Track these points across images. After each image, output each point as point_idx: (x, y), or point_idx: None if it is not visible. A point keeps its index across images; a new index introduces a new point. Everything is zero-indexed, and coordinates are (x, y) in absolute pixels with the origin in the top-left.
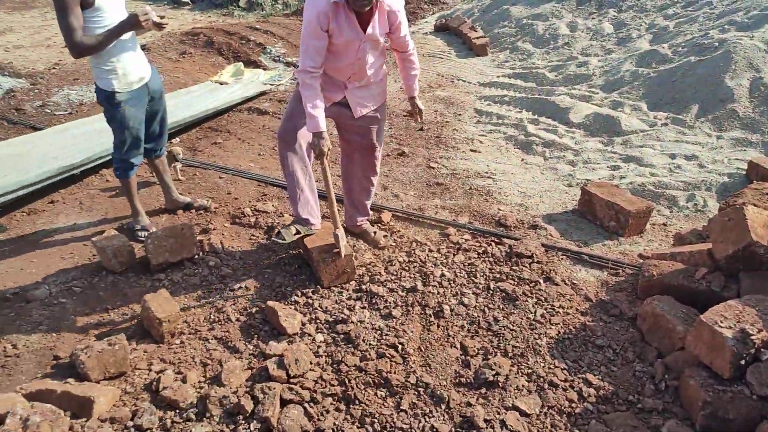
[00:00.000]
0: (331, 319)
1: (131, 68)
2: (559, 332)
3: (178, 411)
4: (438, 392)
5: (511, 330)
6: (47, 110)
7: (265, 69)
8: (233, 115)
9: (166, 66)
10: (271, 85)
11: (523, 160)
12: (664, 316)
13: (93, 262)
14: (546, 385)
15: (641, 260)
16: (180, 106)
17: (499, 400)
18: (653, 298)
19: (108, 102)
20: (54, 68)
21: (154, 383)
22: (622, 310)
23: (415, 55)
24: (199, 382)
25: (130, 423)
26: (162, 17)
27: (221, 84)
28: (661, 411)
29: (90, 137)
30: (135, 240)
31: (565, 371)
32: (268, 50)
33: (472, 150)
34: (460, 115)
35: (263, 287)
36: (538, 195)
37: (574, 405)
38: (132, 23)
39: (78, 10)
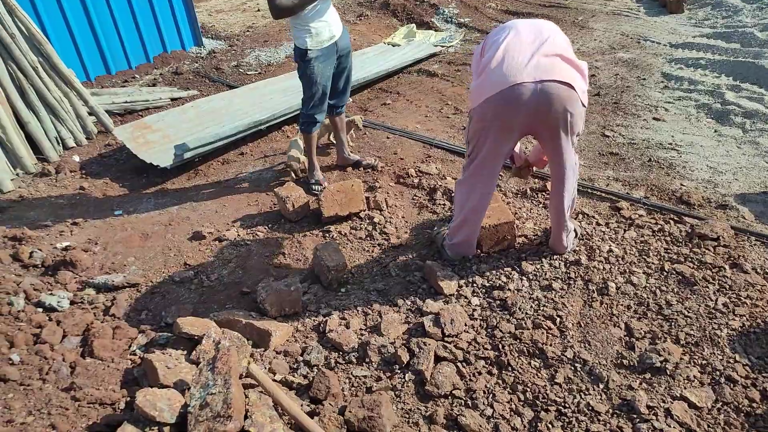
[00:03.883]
0: (487, 284)
1: (323, 28)
2: (743, 325)
3: (341, 353)
4: (597, 371)
5: (686, 316)
6: (240, 70)
7: (437, 30)
8: (403, 76)
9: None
10: (442, 46)
11: (716, 131)
12: None
13: (273, 210)
14: (722, 380)
15: None
16: (354, 68)
17: (666, 388)
18: None
19: (301, 58)
20: (248, 31)
21: (322, 325)
22: None
23: None
24: (360, 329)
25: (300, 358)
26: None
27: (394, 46)
28: None
29: (274, 96)
30: (309, 192)
31: (747, 367)
32: (442, 11)
33: (655, 118)
34: (644, 79)
35: (422, 246)
36: (732, 172)
37: (755, 405)
38: None
39: None
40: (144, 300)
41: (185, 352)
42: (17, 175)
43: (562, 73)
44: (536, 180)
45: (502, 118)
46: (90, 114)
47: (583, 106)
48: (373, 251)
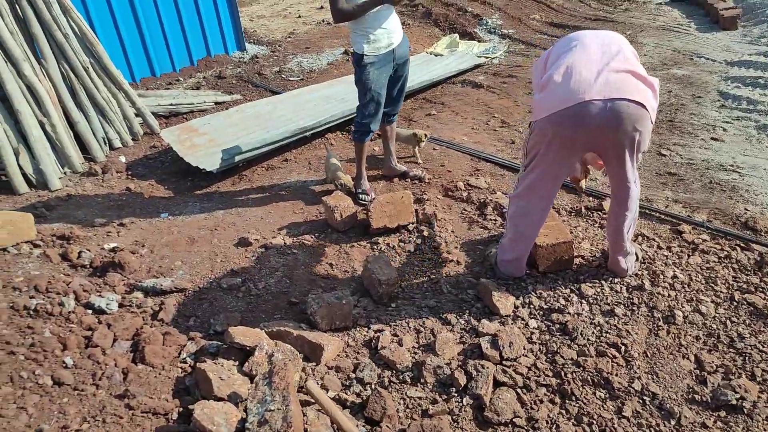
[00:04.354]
0: (545, 306)
1: (381, 35)
2: None
3: (394, 371)
4: (667, 405)
5: (761, 351)
6: (283, 75)
7: (480, 41)
8: (447, 87)
9: None
10: (486, 57)
11: None
12: None
13: (319, 219)
14: None
15: None
16: None
17: (744, 428)
18: None
19: (357, 63)
20: (289, 37)
21: (374, 341)
22: None
23: None
24: (413, 347)
25: (353, 374)
26: None
27: (436, 56)
28: None
29: (317, 103)
30: (356, 202)
31: None
32: (485, 21)
33: (713, 138)
34: (699, 97)
35: (474, 263)
36: None
37: None
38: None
39: None
40: (192, 306)
41: (237, 363)
42: (65, 173)
43: (634, 91)
44: (591, 198)
45: (565, 135)
46: (136, 115)
47: (651, 123)
48: (423, 266)
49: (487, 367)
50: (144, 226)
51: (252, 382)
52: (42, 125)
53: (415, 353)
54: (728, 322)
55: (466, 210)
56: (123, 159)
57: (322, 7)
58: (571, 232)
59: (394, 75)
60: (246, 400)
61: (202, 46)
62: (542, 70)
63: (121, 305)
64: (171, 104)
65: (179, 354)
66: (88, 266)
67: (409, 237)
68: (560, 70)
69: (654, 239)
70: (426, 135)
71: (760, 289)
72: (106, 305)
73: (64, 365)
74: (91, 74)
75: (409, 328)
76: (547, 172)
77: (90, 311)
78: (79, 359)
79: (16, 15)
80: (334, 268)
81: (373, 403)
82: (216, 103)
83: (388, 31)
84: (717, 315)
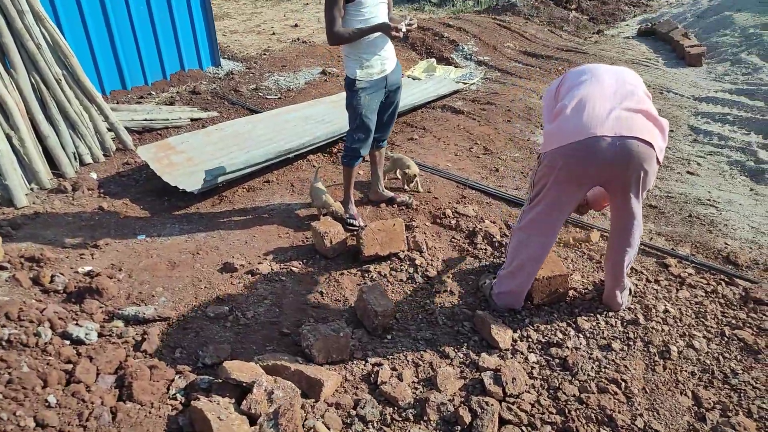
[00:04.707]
0: (543, 340)
1: (375, 61)
2: None
3: (396, 408)
4: None
5: (755, 387)
6: (260, 93)
7: (456, 66)
8: (426, 111)
9: None
10: (464, 83)
11: (752, 189)
12: None
13: (306, 244)
14: None
15: None
16: None
17: None
18: None
19: (349, 87)
20: (264, 54)
21: (372, 376)
22: None
23: None
24: (413, 382)
25: (353, 411)
26: (410, 25)
27: (414, 79)
28: None
29: (297, 123)
30: (346, 228)
31: None
32: (461, 47)
33: (689, 172)
34: (672, 131)
35: (468, 294)
36: None
37: None
38: (383, 29)
39: (341, 2)
40: (176, 336)
41: (233, 401)
42: (31, 190)
43: (643, 130)
44: (578, 229)
45: (573, 168)
46: (109, 130)
47: (659, 163)
48: (416, 295)
49: (492, 404)
50: (120, 248)
51: (252, 423)
52: (9, 138)
53: (416, 388)
54: (721, 357)
55: (455, 238)
56: (94, 176)
57: (296, 25)
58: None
59: (385, 101)
60: None
61: (176, 60)
62: (553, 99)
63: (100, 335)
64: (145, 119)
65: (168, 389)
66: (61, 291)
67: (401, 265)
68: (573, 103)
69: (642, 272)
70: (416, 175)
71: (748, 325)
72: (85, 335)
73: (47, 404)
74: (63, 87)
75: (408, 361)
76: (553, 205)
77: (68, 342)
78: (62, 397)
79: None
80: (324, 297)
81: None
82: (192, 120)
83: (382, 58)
84: (710, 350)
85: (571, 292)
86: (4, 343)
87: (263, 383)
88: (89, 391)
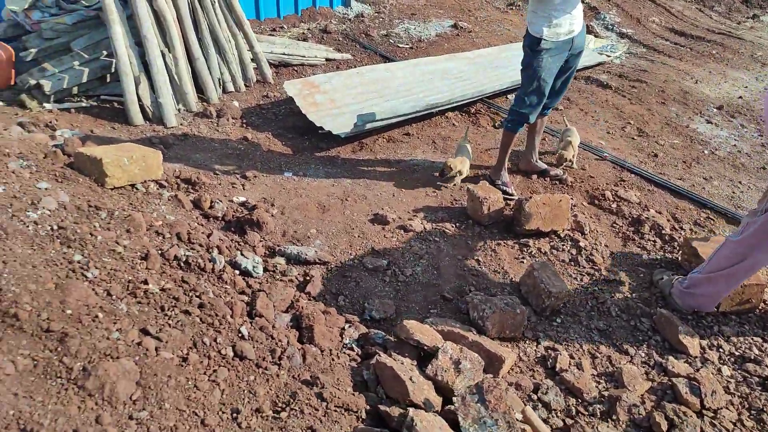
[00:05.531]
0: (736, 353)
1: (564, 20)
2: None
3: (581, 401)
4: None
5: None
6: (391, 41)
7: (596, 36)
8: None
9: (495, 16)
10: (607, 55)
11: None
12: None
13: (455, 207)
14: None
15: None
16: (512, 65)
17: None
18: None
19: (531, 47)
20: (392, 0)
21: (550, 360)
22: None
23: None
24: (593, 375)
25: (534, 395)
26: None
27: None
28: None
29: (434, 77)
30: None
31: None
32: (602, 16)
33: None
34: None
35: (640, 287)
36: None
37: None
38: None
39: None
40: (337, 283)
41: (414, 363)
42: (178, 110)
43: None
44: None
45: None
46: (252, 60)
47: None
48: (582, 280)
49: (689, 415)
50: (268, 182)
51: (438, 389)
52: (163, 55)
53: (598, 382)
54: None
55: (617, 224)
56: (237, 104)
57: None
58: None
59: (564, 65)
60: (435, 410)
61: None
62: None
63: (265, 269)
64: (283, 53)
65: (341, 336)
66: (220, 218)
67: (562, 245)
68: None
69: None
70: (571, 158)
71: None
72: (253, 268)
73: (240, 335)
74: (216, 10)
75: (583, 351)
76: None
77: (237, 272)
78: (252, 330)
79: None
80: (481, 266)
81: None
82: (327, 60)
83: (572, 17)
84: None
85: (761, 305)
86: (182, 264)
87: (448, 350)
88: (274, 328)
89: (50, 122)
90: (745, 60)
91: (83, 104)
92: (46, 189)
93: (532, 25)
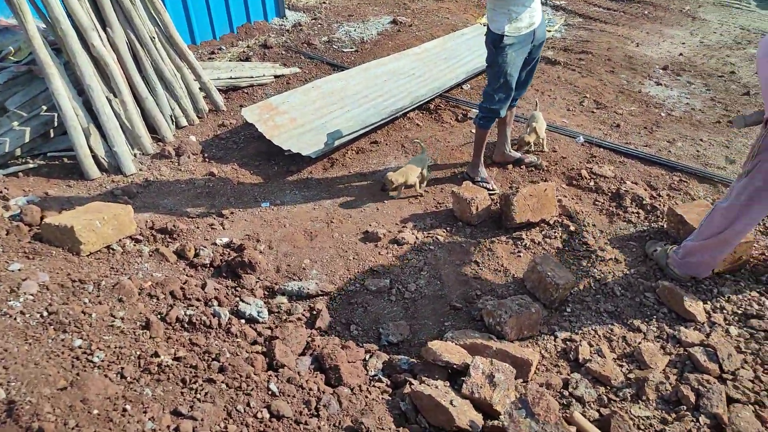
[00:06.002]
0: (739, 311)
1: (524, 14)
2: None
3: (610, 388)
4: None
5: None
6: (334, 46)
7: None
8: None
9: (431, 6)
10: (548, 30)
11: None
12: None
13: (440, 210)
14: None
15: None
16: (463, 52)
17: None
18: None
19: (494, 44)
20: (324, 3)
21: (571, 352)
22: None
23: None
24: (614, 359)
25: (566, 392)
26: None
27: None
28: None
29: (388, 78)
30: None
31: None
32: None
33: None
34: None
35: (635, 262)
36: None
37: None
38: None
39: None
40: (345, 311)
41: (447, 384)
42: (134, 155)
43: None
44: None
45: None
46: (200, 90)
47: None
48: (579, 264)
49: (714, 383)
50: (247, 217)
51: (476, 408)
52: (109, 102)
53: (620, 365)
54: None
55: (598, 201)
56: (194, 139)
57: None
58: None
59: (528, 57)
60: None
61: (242, 11)
62: None
63: (269, 311)
64: (230, 77)
65: (365, 369)
66: (209, 266)
67: (553, 231)
68: None
69: None
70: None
71: None
72: (258, 313)
73: (270, 393)
74: (156, 44)
75: (599, 336)
76: None
77: (242, 321)
78: (279, 384)
79: None
80: (481, 267)
81: (616, 428)
82: (275, 77)
83: (532, 10)
84: None
85: (750, 259)
86: (186, 325)
87: (479, 365)
88: (300, 376)
89: (0, 192)
90: (676, 15)
91: (30, 165)
92: (20, 270)
93: (492, 22)
